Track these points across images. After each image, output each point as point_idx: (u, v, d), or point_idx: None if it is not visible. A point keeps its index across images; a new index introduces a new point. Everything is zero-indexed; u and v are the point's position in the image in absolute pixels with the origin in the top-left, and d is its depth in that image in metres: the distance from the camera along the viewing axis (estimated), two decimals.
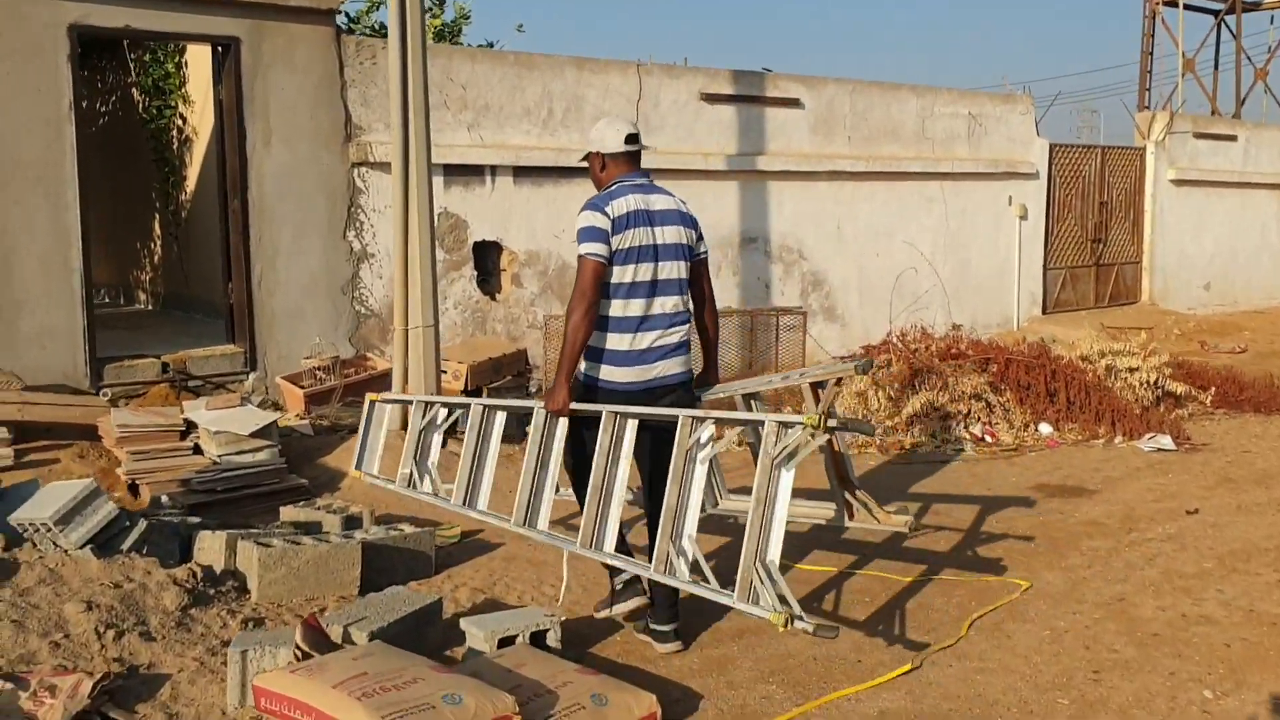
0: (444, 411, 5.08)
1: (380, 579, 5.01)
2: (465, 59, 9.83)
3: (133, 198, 12.23)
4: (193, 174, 10.88)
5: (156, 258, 12.00)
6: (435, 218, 7.43)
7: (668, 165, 10.62)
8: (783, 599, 3.70)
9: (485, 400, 4.78)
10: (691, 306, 4.49)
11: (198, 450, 6.95)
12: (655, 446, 4.30)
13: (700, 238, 4.49)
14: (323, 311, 8.98)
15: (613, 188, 4.35)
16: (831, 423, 3.73)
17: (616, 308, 4.26)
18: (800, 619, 3.64)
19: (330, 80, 8.92)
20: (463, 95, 9.71)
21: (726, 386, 4.81)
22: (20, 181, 7.67)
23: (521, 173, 10.01)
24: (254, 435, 6.80)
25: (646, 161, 4.59)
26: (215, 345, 8.89)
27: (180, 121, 10.96)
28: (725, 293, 11.27)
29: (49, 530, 4.46)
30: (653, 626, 4.39)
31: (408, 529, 5.30)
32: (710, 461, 4.19)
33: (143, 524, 4.69)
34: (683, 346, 4.39)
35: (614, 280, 4.24)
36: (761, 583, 3.73)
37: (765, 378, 5.23)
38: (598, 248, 4.19)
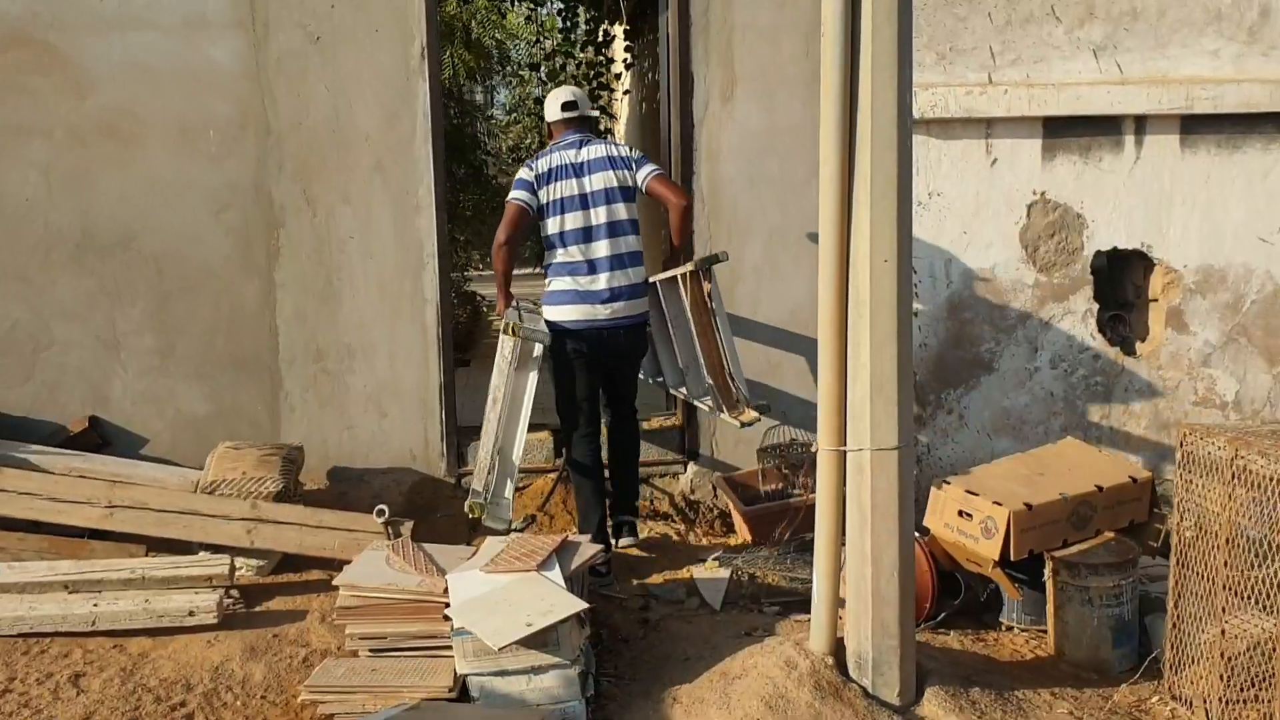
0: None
1: None
2: None
3: None
4: None
5: None
6: (910, 227, 3.45)
7: None
8: (489, 488, 4.44)
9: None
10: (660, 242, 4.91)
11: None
12: (610, 381, 4.76)
13: (639, 164, 4.65)
14: (804, 368, 5.42)
15: (545, 148, 4.73)
16: (522, 333, 4.40)
17: (558, 255, 4.61)
18: (485, 509, 4.42)
19: None
20: None
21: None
22: (349, 168, 5.16)
23: (1196, 125, 5.48)
24: (526, 643, 3.50)
25: None
26: (654, 414, 5.72)
27: None
28: None
29: None
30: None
31: None
32: None
33: None
34: (635, 289, 4.64)
35: (549, 231, 4.62)
36: (490, 470, 4.43)
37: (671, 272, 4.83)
38: (522, 194, 4.59)
